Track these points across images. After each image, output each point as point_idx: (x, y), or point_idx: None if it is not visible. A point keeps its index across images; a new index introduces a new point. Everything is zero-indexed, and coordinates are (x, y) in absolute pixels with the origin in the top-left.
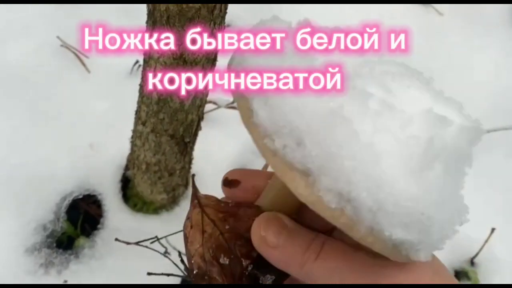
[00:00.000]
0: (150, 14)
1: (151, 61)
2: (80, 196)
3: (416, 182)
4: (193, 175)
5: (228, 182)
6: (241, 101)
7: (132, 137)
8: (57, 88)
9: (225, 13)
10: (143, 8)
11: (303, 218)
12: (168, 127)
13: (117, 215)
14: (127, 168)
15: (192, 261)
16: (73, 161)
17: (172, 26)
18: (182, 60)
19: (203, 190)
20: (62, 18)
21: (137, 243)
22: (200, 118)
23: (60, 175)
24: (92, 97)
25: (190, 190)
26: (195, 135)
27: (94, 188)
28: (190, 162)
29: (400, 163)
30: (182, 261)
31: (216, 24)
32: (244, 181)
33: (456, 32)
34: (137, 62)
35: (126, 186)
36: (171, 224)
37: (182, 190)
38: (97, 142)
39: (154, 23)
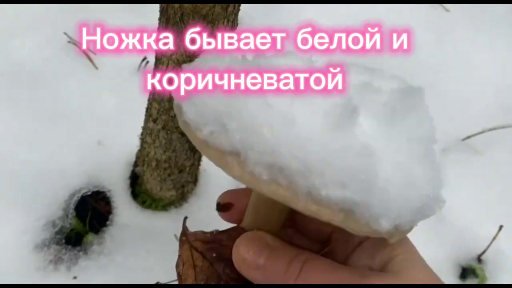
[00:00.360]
0: (164, 12)
1: (164, 58)
2: (89, 193)
3: (340, 136)
4: (185, 218)
5: (221, 207)
6: (176, 109)
7: (142, 134)
8: (65, 84)
9: (238, 10)
10: (152, 6)
11: (291, 235)
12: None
13: (125, 212)
14: (136, 164)
15: None
16: (81, 158)
17: (186, 23)
18: (195, 57)
19: (211, 187)
20: (69, 14)
21: None
22: None
23: (69, 171)
24: (100, 93)
25: (199, 187)
26: None
27: (102, 184)
28: (199, 159)
29: (320, 122)
30: None
31: (229, 21)
32: (236, 202)
33: (463, 28)
34: (145, 58)
35: (135, 182)
36: (180, 221)
37: (191, 187)
38: (106, 138)
39: (167, 21)
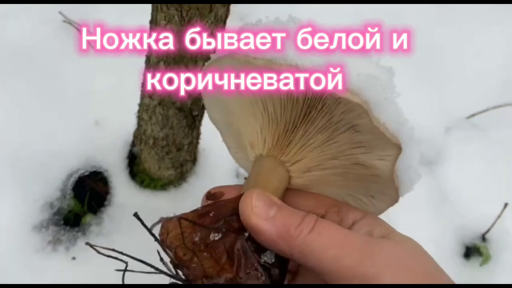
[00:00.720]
0: None
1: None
2: (86, 173)
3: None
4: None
5: (212, 195)
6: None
7: (139, 111)
8: (61, 65)
9: None
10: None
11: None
12: (176, 99)
13: (124, 192)
14: (133, 144)
15: (174, 255)
16: (78, 138)
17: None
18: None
19: (210, 166)
20: None
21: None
22: None
23: (66, 152)
24: (97, 73)
25: (198, 166)
26: (203, 108)
27: (100, 165)
28: (198, 137)
29: None
30: (161, 259)
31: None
32: (227, 193)
33: (469, 6)
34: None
35: (133, 162)
36: (179, 200)
37: (190, 166)
38: (103, 118)
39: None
